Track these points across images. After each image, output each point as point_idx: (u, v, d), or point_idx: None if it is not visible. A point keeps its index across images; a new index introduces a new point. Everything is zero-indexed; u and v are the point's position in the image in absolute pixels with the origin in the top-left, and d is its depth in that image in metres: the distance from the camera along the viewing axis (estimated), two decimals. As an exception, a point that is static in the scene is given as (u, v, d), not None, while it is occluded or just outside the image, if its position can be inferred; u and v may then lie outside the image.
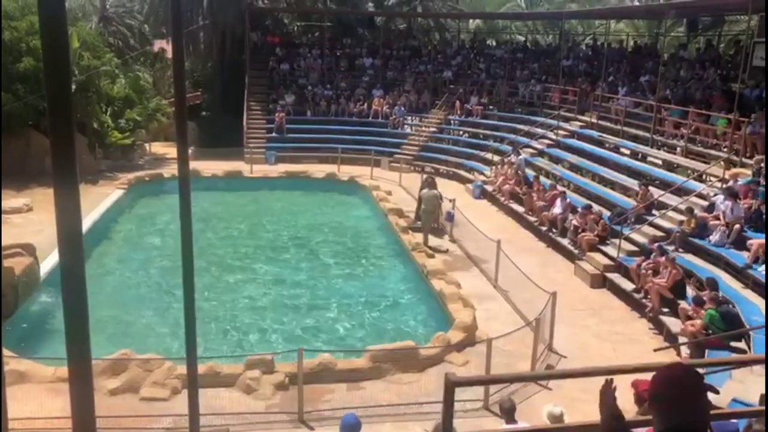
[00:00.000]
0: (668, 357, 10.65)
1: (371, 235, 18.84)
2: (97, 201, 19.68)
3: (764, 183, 13.99)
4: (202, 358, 9.44)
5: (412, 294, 14.40)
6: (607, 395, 2.77)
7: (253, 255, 16.81)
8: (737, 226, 13.15)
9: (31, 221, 17.61)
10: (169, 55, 36.42)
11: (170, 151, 28.09)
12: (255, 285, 14.71)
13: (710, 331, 10.42)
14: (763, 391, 7.47)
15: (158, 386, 9.57)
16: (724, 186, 14.81)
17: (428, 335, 11.60)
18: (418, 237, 17.21)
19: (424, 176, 20.26)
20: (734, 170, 15.75)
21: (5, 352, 9.33)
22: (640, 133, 20.42)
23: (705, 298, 10.98)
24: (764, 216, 13.01)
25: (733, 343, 10.29)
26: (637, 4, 43.84)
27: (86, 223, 16.83)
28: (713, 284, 11.42)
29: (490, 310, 12.94)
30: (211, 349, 11.24)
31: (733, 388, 8.30)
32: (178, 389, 9.50)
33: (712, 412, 2.42)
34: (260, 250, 17.28)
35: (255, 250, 17.25)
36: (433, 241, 17.35)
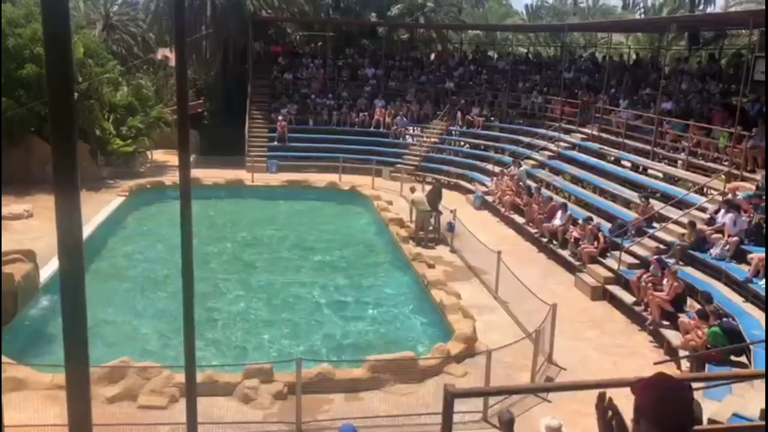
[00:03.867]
0: (669, 370, 10.61)
1: (371, 245, 18.82)
2: (97, 208, 19.68)
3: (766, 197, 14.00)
4: (201, 366, 9.42)
5: (412, 304, 14.37)
6: (604, 409, 2.74)
7: (251, 264, 16.77)
8: (735, 238, 13.16)
9: (32, 227, 17.61)
10: (172, 63, 36.57)
11: (172, 158, 28.12)
12: (252, 294, 14.66)
13: (709, 346, 10.39)
14: (763, 406, 7.44)
15: (156, 394, 9.54)
16: (724, 199, 14.79)
17: (428, 346, 11.56)
18: (419, 247, 17.26)
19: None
20: (735, 183, 15.76)
21: (3, 358, 9.30)
22: (641, 145, 20.45)
23: (708, 312, 10.96)
24: (765, 230, 13.00)
25: (734, 357, 10.26)
26: (642, 16, 44.03)
27: (86, 230, 16.83)
28: (708, 298, 11.43)
29: (490, 321, 12.91)
30: (209, 358, 11.20)
31: (734, 403, 8.26)
32: (176, 397, 9.47)
33: (712, 426, 2.40)
34: (258, 258, 17.25)
35: (252, 258, 17.22)
36: (431, 252, 17.40)
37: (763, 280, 11.81)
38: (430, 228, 18.77)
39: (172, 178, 24.03)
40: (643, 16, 46.72)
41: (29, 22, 22.75)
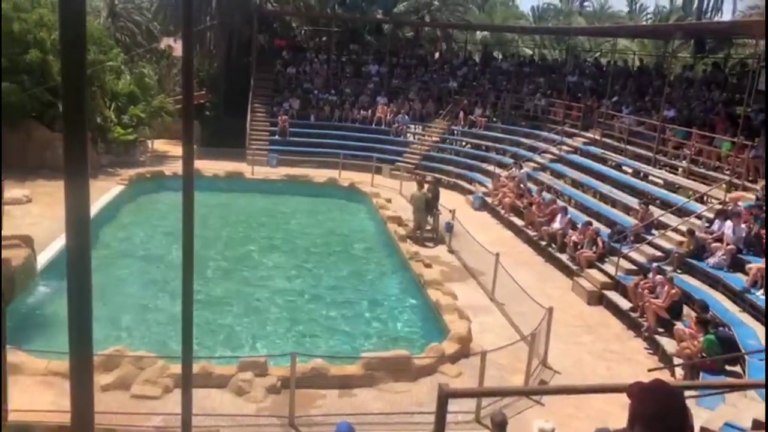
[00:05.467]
0: (663, 377, 10.63)
1: (369, 243, 18.84)
2: (96, 196, 19.67)
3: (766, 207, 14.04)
4: (196, 357, 9.43)
5: (408, 303, 14.39)
6: None
7: (246, 258, 16.78)
8: (731, 247, 13.20)
9: (30, 213, 17.63)
10: (176, 53, 36.53)
11: (172, 148, 28.13)
12: (246, 288, 14.65)
13: (704, 354, 10.43)
14: (756, 416, 7.48)
15: (150, 384, 9.56)
16: (719, 209, 14.84)
17: (423, 345, 11.59)
18: (416, 246, 17.28)
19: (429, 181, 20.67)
20: (736, 193, 15.80)
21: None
22: (643, 152, 20.48)
23: (708, 318, 11.01)
24: (764, 240, 13.04)
25: (729, 367, 10.30)
26: (649, 22, 44.01)
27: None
28: (704, 306, 11.47)
29: (485, 322, 12.94)
30: (202, 350, 11.21)
31: (726, 412, 8.29)
32: (169, 388, 9.50)
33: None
34: (254, 252, 17.27)
35: (248, 252, 17.23)
36: (429, 251, 17.43)
37: (761, 291, 11.85)
38: (428, 227, 18.80)
39: (172, 168, 24.03)
40: (650, 22, 46.76)
41: (34, 7, 22.75)
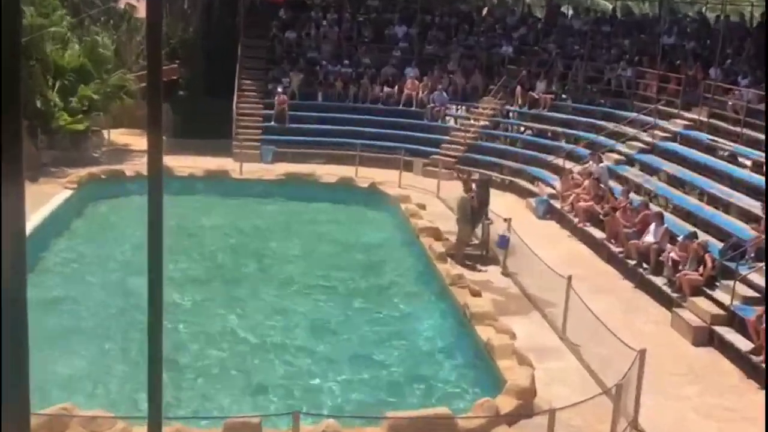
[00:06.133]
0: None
1: (396, 263, 18.86)
2: (36, 204, 19.87)
3: None
4: (168, 418, 9.51)
5: (449, 344, 14.39)
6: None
7: (240, 286, 16.90)
8: None
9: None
10: (138, 14, 36.91)
11: (135, 141, 28.42)
12: (239, 326, 14.74)
13: None
14: None
15: (107, 453, 9.67)
16: None
17: (469, 401, 11.57)
18: (460, 267, 17.27)
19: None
20: None
21: None
22: None
23: None
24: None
25: None
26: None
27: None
28: None
29: (554, 370, 12.88)
30: (176, 407, 11.30)
31: None
32: (132, 458, 9.60)
33: None
34: (247, 279, 17.39)
35: (235, 278, 17.36)
36: (477, 275, 17.42)
37: None
38: (475, 242, 18.76)
39: (134, 166, 24.27)
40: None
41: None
